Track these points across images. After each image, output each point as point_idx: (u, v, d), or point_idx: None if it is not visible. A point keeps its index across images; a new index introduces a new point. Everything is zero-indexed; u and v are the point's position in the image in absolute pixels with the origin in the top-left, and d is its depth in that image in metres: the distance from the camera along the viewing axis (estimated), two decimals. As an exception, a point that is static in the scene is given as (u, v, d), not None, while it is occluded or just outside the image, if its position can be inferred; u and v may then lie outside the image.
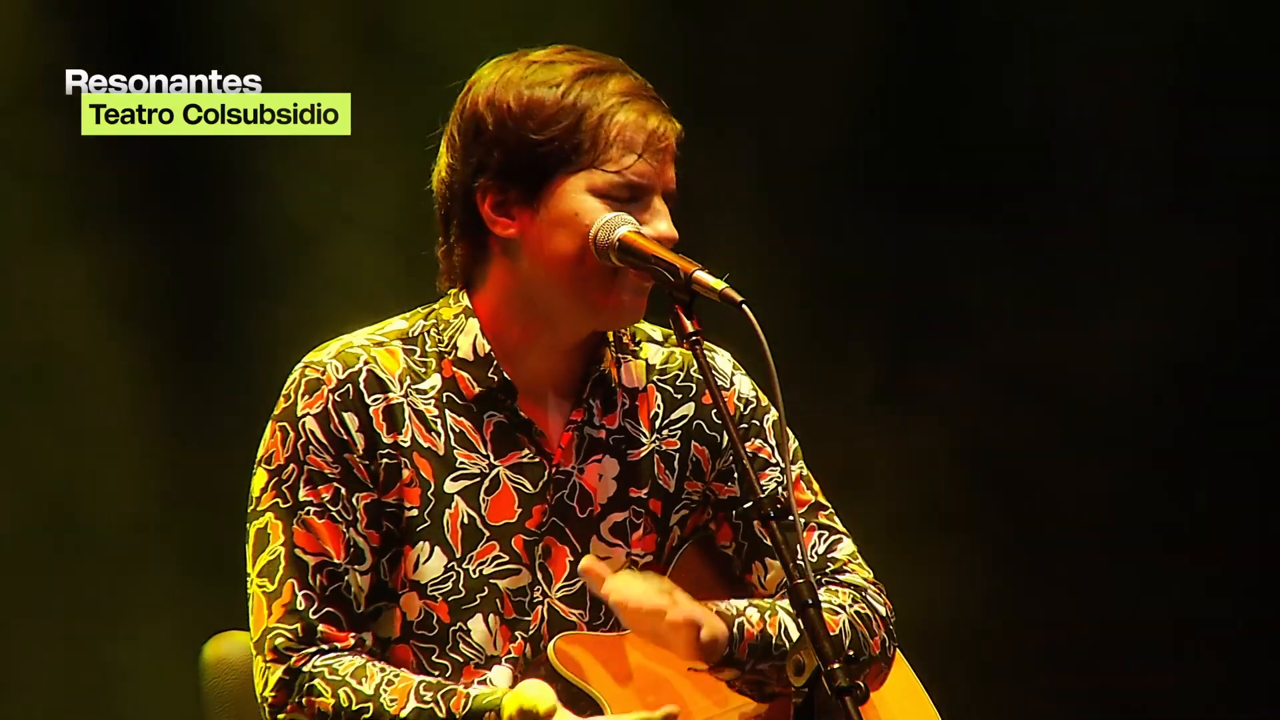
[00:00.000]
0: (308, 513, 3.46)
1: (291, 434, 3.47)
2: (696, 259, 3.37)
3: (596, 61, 3.50)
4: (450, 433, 3.52)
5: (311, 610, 3.44)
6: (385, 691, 3.39)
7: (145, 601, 5.21)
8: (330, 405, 3.48)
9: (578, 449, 3.56)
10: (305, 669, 3.42)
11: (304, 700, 3.41)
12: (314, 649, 3.43)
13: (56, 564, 5.19)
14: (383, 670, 3.42)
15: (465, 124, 3.49)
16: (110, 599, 5.19)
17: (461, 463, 3.51)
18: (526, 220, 3.48)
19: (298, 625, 3.43)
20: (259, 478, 3.49)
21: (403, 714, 3.37)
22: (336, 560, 3.45)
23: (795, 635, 3.46)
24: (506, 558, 3.52)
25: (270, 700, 3.42)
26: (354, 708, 3.38)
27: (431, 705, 3.37)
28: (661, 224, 3.45)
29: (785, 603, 3.51)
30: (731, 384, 3.67)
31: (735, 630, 3.44)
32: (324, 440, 3.47)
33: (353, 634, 3.46)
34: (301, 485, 3.46)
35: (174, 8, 5.18)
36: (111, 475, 5.21)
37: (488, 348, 3.53)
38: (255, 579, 3.46)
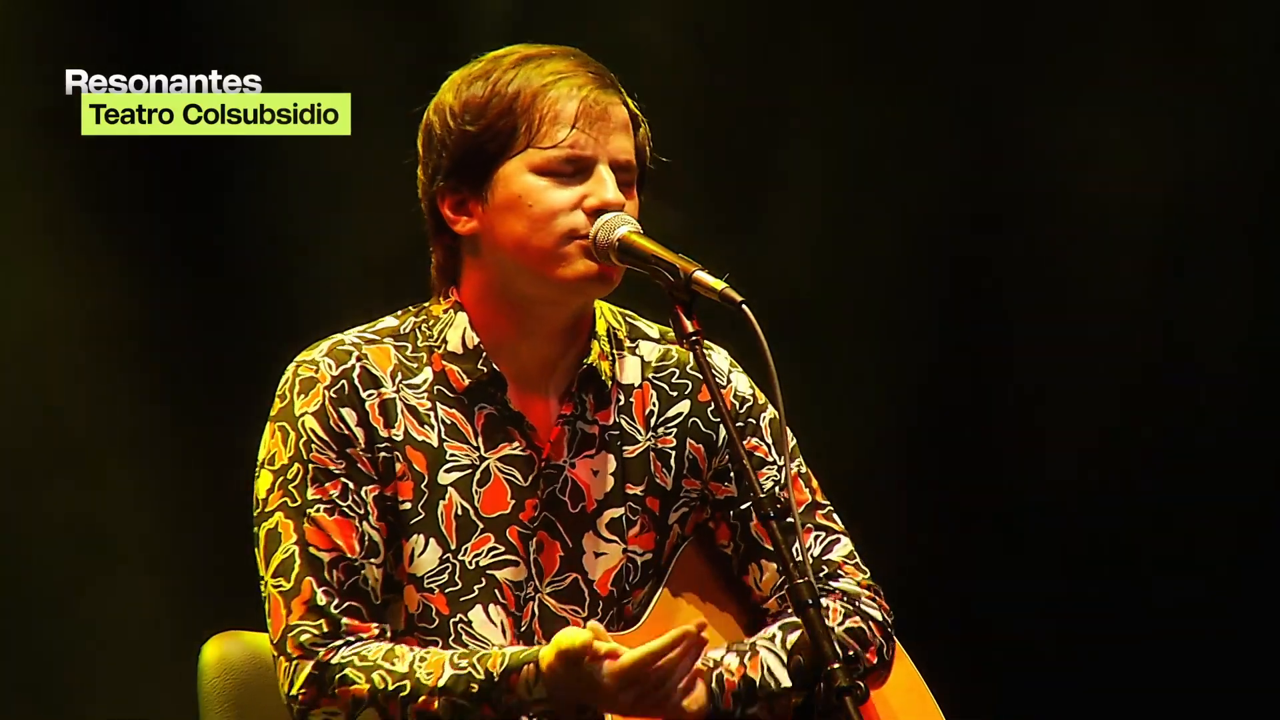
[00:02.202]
0: (317, 510, 3.45)
1: (292, 434, 3.48)
2: (695, 258, 3.37)
3: (541, 50, 3.53)
4: (442, 425, 3.52)
5: (333, 605, 3.43)
6: (420, 667, 3.38)
7: (145, 601, 5.21)
8: (327, 402, 3.48)
9: (569, 443, 3.57)
10: (334, 661, 3.40)
11: (337, 691, 3.39)
12: (340, 642, 3.42)
13: (51, 563, 5.19)
14: (412, 650, 3.41)
15: (423, 136, 3.55)
16: (109, 598, 5.19)
17: (452, 454, 3.52)
18: (481, 213, 3.50)
19: (322, 621, 3.42)
20: (263, 480, 3.49)
21: (440, 684, 3.36)
22: (351, 555, 3.45)
23: (780, 673, 3.47)
24: (502, 549, 3.52)
25: (300, 697, 3.40)
26: (390, 688, 3.37)
27: (469, 669, 3.36)
28: (606, 192, 3.46)
29: (766, 635, 3.52)
30: (729, 382, 3.67)
31: (714, 685, 3.44)
32: (326, 437, 3.47)
33: (375, 624, 3.45)
34: (309, 484, 3.46)
35: (174, 8, 5.18)
36: (110, 475, 5.21)
37: (476, 340, 3.54)
38: (270, 580, 3.45)
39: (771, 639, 3.50)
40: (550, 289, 3.48)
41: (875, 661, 3.57)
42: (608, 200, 3.44)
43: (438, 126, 3.50)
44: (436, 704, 3.36)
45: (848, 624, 3.56)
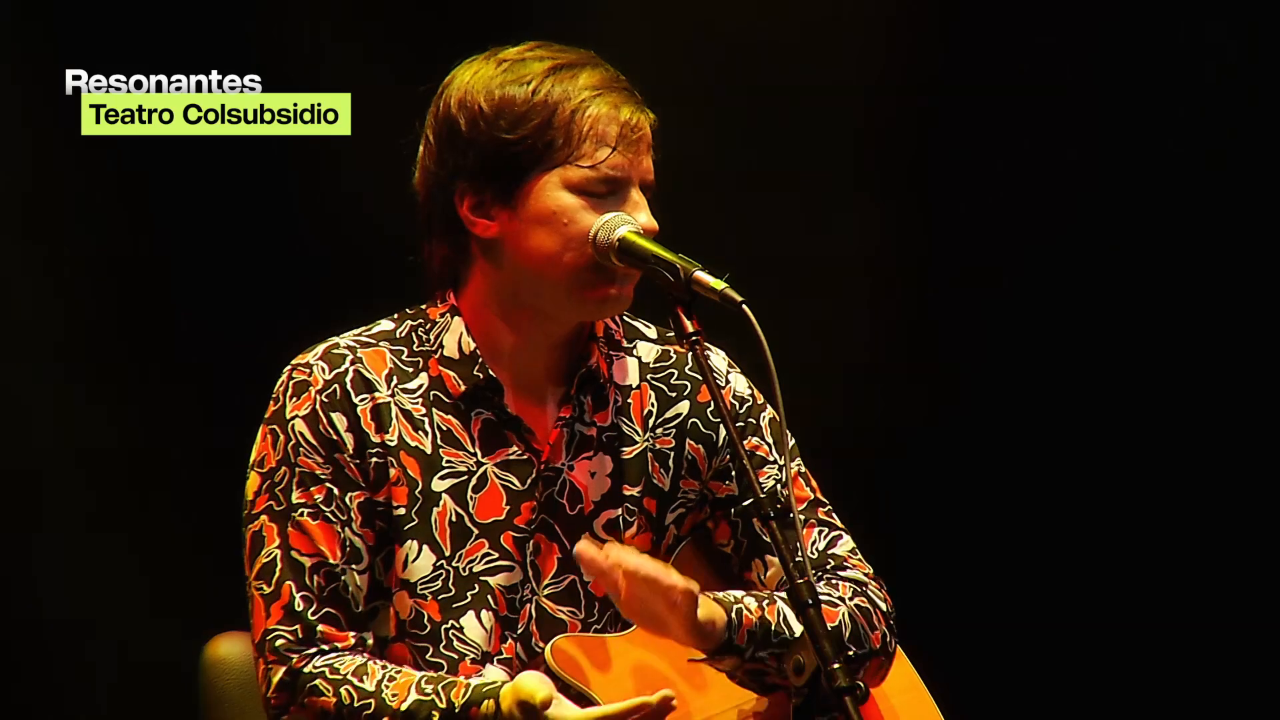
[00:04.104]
0: (301, 514, 3.46)
1: (282, 437, 3.48)
2: (696, 258, 3.37)
3: (567, 56, 3.51)
4: (437, 431, 3.52)
5: (310, 611, 3.44)
6: (387, 687, 3.39)
7: (145, 601, 5.21)
8: (318, 406, 3.49)
9: (567, 446, 3.57)
10: (306, 670, 3.43)
11: (306, 700, 3.42)
12: (314, 649, 3.44)
13: (50, 562, 5.19)
14: (384, 667, 3.43)
15: (439, 127, 3.51)
16: (109, 598, 5.20)
17: (448, 461, 3.52)
18: (505, 220, 3.49)
19: (297, 626, 3.44)
20: (252, 481, 3.50)
21: (403, 707, 3.38)
22: (333, 561, 3.46)
23: (794, 623, 3.47)
24: (496, 555, 3.52)
25: (273, 701, 3.44)
26: (356, 705, 3.39)
27: (432, 696, 3.37)
28: (641, 216, 3.46)
29: (784, 593, 3.51)
30: (727, 382, 3.67)
31: (733, 616, 3.44)
32: (314, 441, 3.48)
33: (353, 633, 3.47)
34: (294, 488, 3.47)
35: (174, 8, 5.18)
36: (110, 474, 5.22)
37: (473, 345, 3.54)
38: (252, 581, 3.47)
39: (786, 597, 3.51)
40: (570, 305, 3.49)
41: (878, 646, 3.57)
42: (643, 225, 3.45)
43: (464, 124, 3.48)
44: None
45: (856, 601, 3.57)
